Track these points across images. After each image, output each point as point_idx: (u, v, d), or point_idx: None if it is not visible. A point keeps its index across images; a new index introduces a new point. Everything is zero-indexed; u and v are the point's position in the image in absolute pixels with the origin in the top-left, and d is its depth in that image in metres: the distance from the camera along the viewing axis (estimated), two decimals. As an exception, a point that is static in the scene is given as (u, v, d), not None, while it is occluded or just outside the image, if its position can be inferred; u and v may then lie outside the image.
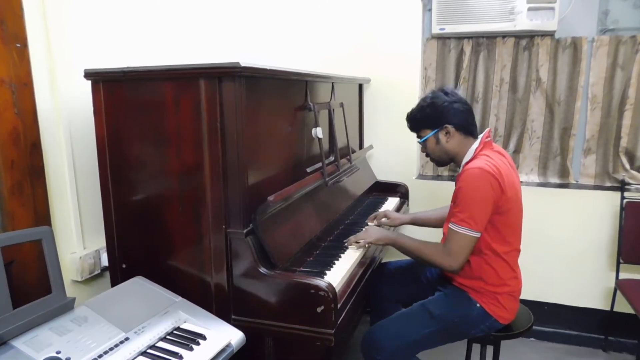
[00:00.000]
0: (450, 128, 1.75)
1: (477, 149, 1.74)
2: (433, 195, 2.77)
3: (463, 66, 2.74)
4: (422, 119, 1.82)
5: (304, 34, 2.88)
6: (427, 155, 1.89)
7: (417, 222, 2.21)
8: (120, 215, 1.56)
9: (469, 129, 1.77)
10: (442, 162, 1.87)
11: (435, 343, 1.78)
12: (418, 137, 1.87)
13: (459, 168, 1.79)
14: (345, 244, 1.85)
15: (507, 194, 1.63)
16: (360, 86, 2.77)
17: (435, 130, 1.78)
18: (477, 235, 1.62)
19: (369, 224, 2.17)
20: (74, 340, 1.14)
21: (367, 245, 1.84)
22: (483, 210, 1.61)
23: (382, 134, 2.84)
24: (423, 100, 1.82)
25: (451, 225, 1.65)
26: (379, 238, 1.84)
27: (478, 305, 1.72)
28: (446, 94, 1.77)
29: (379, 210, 2.36)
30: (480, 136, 1.78)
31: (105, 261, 1.73)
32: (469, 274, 1.73)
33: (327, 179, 1.90)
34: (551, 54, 2.60)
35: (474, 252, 1.67)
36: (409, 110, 1.87)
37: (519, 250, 1.78)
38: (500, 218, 1.66)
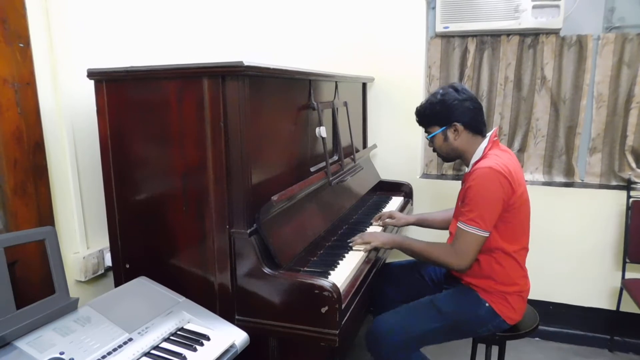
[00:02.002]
0: (459, 126, 1.74)
1: (486, 147, 1.73)
2: (437, 194, 2.76)
3: (467, 64, 2.73)
4: (431, 115, 1.80)
5: (307, 33, 2.87)
6: (434, 151, 1.88)
7: (422, 223, 2.20)
8: (123, 215, 1.55)
9: (478, 128, 1.76)
10: (449, 158, 1.87)
11: (440, 339, 1.77)
12: (426, 132, 1.85)
13: (467, 166, 1.78)
14: (350, 244, 1.83)
15: (517, 192, 1.63)
16: (364, 85, 2.76)
17: (444, 128, 1.77)
18: (486, 234, 1.61)
19: (374, 224, 2.16)
20: (77, 341, 1.13)
21: (371, 248, 1.82)
22: (492, 210, 1.60)
23: (386, 133, 2.83)
24: (433, 95, 1.80)
25: (460, 225, 1.63)
26: (385, 242, 1.82)
27: (487, 304, 1.71)
28: (457, 91, 1.75)
29: (383, 210, 2.35)
30: (488, 135, 1.77)
31: (108, 261, 1.73)
32: (478, 273, 1.72)
33: (330, 178, 1.90)
34: (556, 52, 2.59)
35: (483, 251, 1.66)
36: (418, 104, 1.85)
37: (527, 249, 1.77)
38: (510, 216, 1.65)
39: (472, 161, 1.75)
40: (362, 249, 1.80)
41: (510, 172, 1.62)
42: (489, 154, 1.71)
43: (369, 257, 1.80)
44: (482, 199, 1.60)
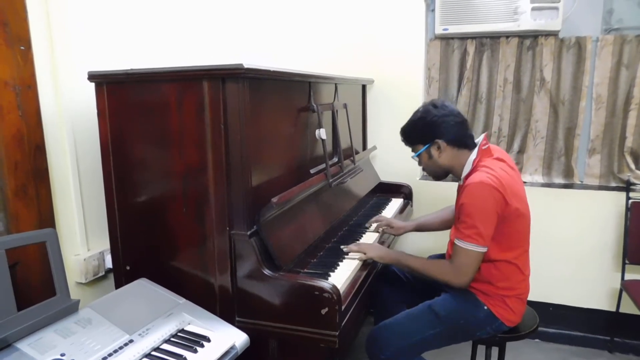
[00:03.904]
0: (442, 143, 1.73)
1: (475, 160, 1.71)
2: (437, 196, 2.76)
3: (467, 66, 2.73)
4: (413, 134, 1.81)
5: (307, 35, 2.87)
6: (423, 170, 1.88)
7: (422, 228, 2.18)
8: (124, 217, 1.56)
9: (463, 142, 1.74)
10: (437, 176, 1.86)
11: (440, 344, 1.77)
12: (413, 151, 1.86)
13: (459, 180, 1.77)
14: (345, 250, 1.79)
15: (511, 205, 1.61)
16: (364, 87, 2.76)
17: (427, 146, 1.77)
18: (484, 250, 1.61)
19: (371, 229, 2.11)
20: (78, 343, 1.14)
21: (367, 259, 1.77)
22: (488, 225, 1.59)
23: (385, 135, 2.83)
24: (414, 114, 1.81)
25: (457, 242, 1.63)
26: (382, 257, 1.78)
27: (485, 307, 1.71)
28: (435, 107, 1.74)
29: (382, 215, 2.28)
30: (478, 142, 1.75)
31: (109, 263, 1.73)
32: (477, 278, 1.70)
33: (330, 180, 1.90)
34: (555, 53, 2.59)
35: (483, 259, 1.65)
36: (404, 123, 1.85)
37: (528, 251, 1.77)
38: (507, 227, 1.64)
39: (463, 175, 1.74)
40: (357, 257, 1.76)
41: (502, 185, 1.59)
42: (480, 165, 1.69)
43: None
44: (477, 215, 1.59)
